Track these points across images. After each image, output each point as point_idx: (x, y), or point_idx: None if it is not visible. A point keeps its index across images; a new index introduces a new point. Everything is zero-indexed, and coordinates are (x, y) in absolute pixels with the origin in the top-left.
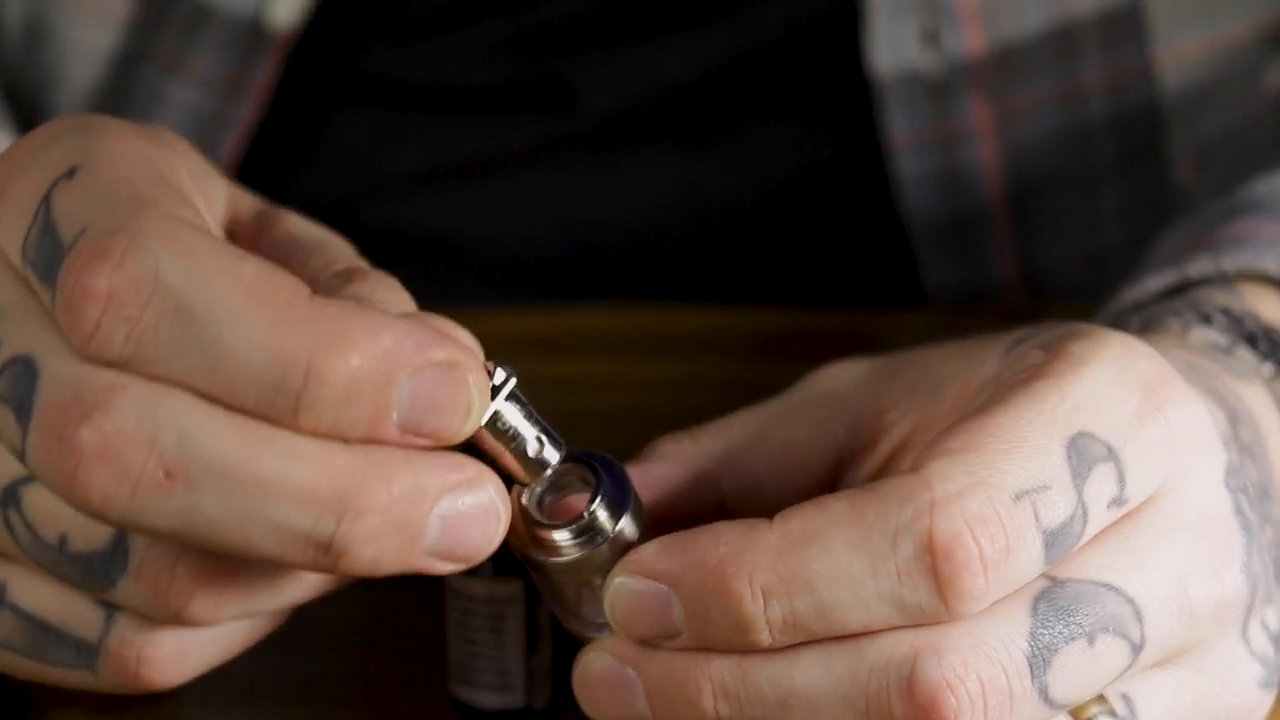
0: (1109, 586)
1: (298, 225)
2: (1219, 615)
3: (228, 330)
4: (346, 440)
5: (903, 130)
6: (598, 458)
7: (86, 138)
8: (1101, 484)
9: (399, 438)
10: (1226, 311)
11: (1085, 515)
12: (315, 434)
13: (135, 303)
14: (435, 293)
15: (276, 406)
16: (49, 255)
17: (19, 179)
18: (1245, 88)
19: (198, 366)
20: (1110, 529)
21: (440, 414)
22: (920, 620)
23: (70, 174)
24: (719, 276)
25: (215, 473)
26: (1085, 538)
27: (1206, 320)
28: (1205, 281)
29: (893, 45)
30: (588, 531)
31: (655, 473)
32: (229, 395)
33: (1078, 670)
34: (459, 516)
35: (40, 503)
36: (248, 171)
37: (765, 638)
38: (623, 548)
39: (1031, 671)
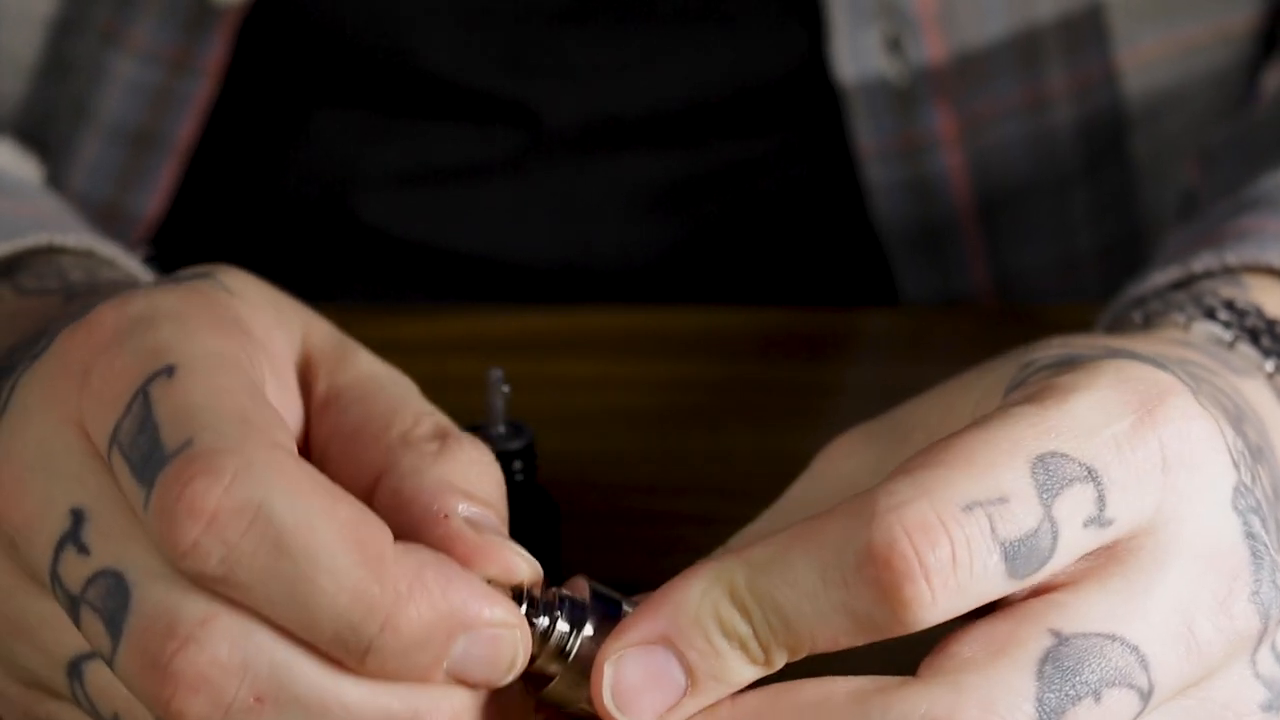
0: (1113, 637)
1: (370, 364)
2: (1229, 649)
3: (320, 570)
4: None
5: (870, 138)
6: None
7: (178, 331)
8: (1076, 503)
9: (445, 681)
10: (1230, 304)
11: (1055, 532)
12: (374, 675)
13: (236, 528)
14: (423, 295)
15: (349, 647)
16: (146, 454)
17: (105, 361)
18: (1206, 89)
19: (282, 597)
20: (1113, 567)
21: (487, 669)
22: (877, 633)
23: (169, 372)
24: (699, 286)
25: (303, 699)
26: (1060, 556)
27: (1210, 314)
28: (1209, 275)
29: (855, 54)
30: (559, 649)
31: None
32: (304, 629)
33: None
34: None
35: (99, 680)
36: (220, 157)
37: (759, 653)
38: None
39: None
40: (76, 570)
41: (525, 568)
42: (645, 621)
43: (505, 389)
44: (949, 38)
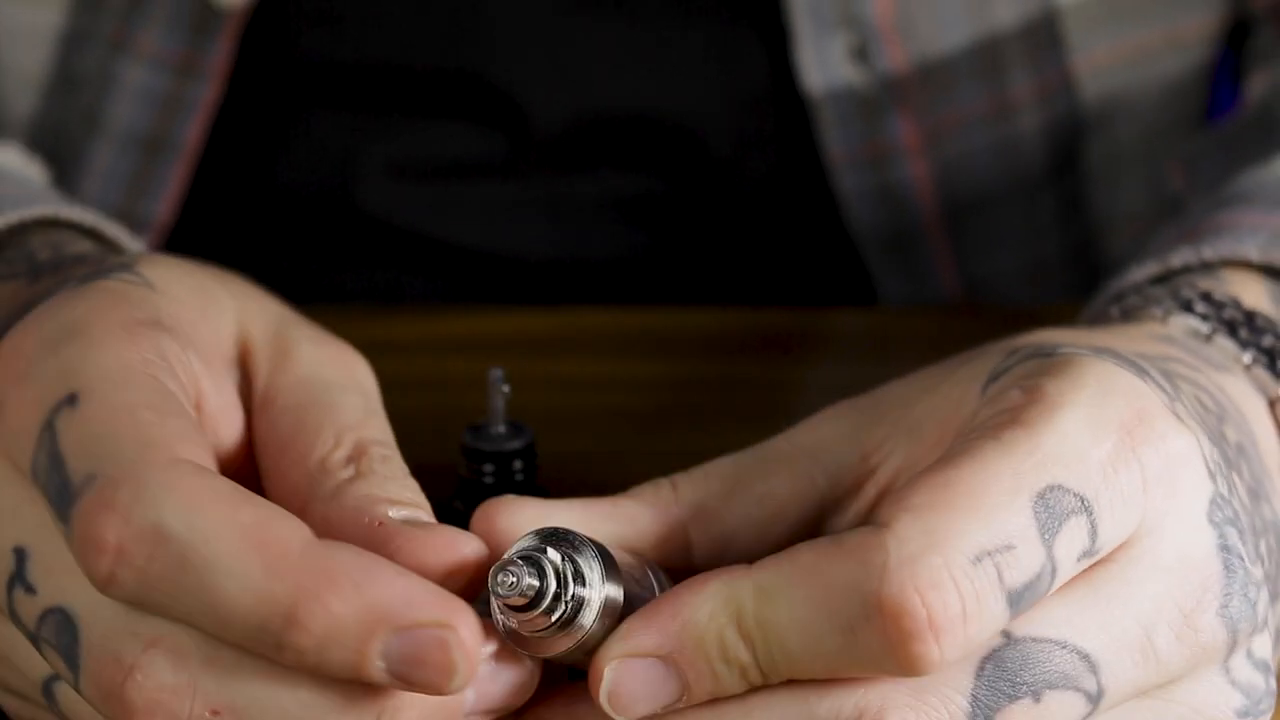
0: (1063, 644)
1: (308, 363)
2: (1192, 659)
3: (222, 577)
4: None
5: (839, 146)
6: (550, 539)
7: (82, 349)
8: (1073, 538)
9: (390, 683)
10: (1208, 297)
11: (1054, 570)
12: (300, 670)
13: (141, 554)
14: (422, 284)
15: (262, 645)
16: (59, 491)
17: (18, 391)
18: (1159, 96)
19: (196, 609)
20: (1080, 577)
21: (426, 671)
22: (876, 674)
23: (72, 400)
24: (695, 285)
25: (260, 703)
26: (1054, 588)
27: (1187, 306)
28: (1187, 270)
29: (821, 63)
30: (572, 620)
31: (627, 512)
32: (222, 633)
33: None
34: None
35: (68, 698)
36: (221, 157)
37: (757, 678)
38: (612, 610)
39: None
40: (28, 609)
41: (472, 546)
42: (651, 631)
43: (505, 389)
44: (909, 47)
